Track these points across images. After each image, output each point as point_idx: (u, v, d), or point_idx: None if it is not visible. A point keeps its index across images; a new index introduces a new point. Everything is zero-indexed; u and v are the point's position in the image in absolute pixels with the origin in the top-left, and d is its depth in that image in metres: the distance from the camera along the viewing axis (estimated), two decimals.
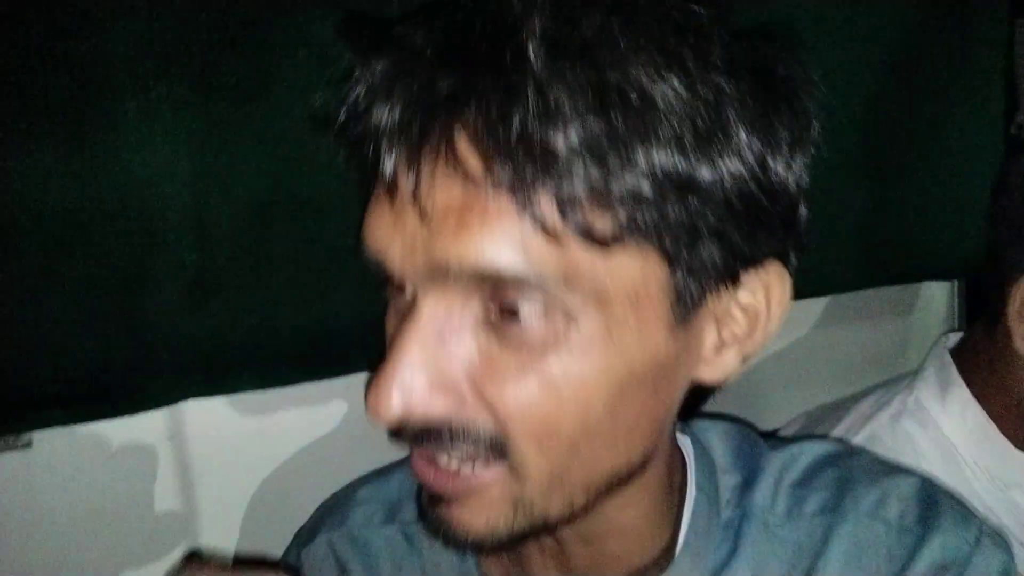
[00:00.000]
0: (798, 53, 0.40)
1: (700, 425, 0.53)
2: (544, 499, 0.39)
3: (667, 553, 0.48)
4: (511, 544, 0.42)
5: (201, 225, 0.55)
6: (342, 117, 0.38)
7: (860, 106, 0.75)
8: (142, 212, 0.54)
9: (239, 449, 0.71)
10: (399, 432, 0.39)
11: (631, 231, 0.35)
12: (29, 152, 0.52)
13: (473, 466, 0.38)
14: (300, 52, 0.55)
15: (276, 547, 0.65)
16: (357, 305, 0.61)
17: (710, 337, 0.41)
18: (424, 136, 0.35)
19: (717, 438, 0.53)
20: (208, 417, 0.69)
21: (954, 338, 0.78)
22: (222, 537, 0.74)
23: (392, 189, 0.36)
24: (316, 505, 0.64)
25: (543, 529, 0.42)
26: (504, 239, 0.34)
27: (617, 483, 0.42)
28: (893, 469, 0.51)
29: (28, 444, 0.63)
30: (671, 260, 0.37)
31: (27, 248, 0.53)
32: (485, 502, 0.39)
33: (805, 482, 0.49)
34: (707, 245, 0.37)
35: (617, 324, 0.36)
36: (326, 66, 0.42)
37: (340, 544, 0.59)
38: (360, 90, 0.37)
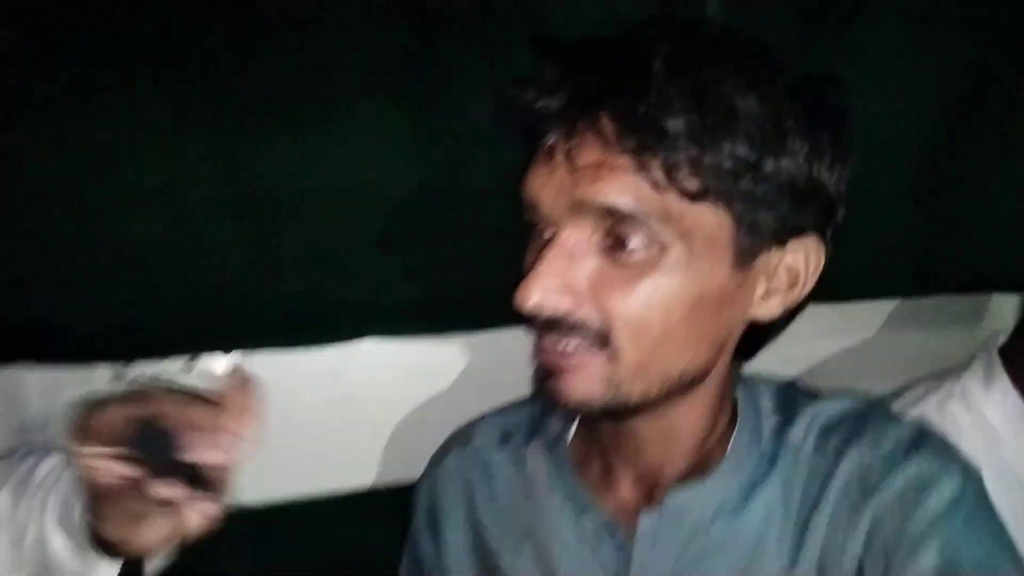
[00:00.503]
0: (843, 93, 0.56)
1: (754, 379, 0.68)
2: (630, 382, 0.55)
3: (714, 464, 0.63)
4: (600, 414, 0.58)
5: (393, 202, 0.74)
6: (521, 107, 0.56)
7: (930, 119, 0.81)
8: (350, 190, 0.73)
9: (394, 385, 0.90)
10: (533, 321, 0.56)
11: (712, 192, 0.52)
12: (270, 139, 0.71)
13: (581, 351, 0.55)
14: (482, 63, 0.72)
15: (416, 471, 0.83)
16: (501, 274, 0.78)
17: (761, 286, 0.57)
18: (578, 117, 0.53)
19: (765, 388, 0.68)
20: (372, 358, 0.88)
21: (1003, 338, 0.90)
22: (374, 460, 0.93)
23: (550, 154, 0.54)
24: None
25: (625, 410, 0.58)
26: (625, 187, 0.52)
27: (683, 385, 0.58)
28: (899, 420, 0.64)
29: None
30: (737, 219, 0.53)
31: (267, 215, 0.73)
32: (586, 377, 0.56)
33: (832, 425, 0.63)
34: (763, 213, 0.53)
35: (695, 257, 0.53)
36: (499, 75, 0.60)
37: (465, 463, 0.77)
38: (535, 89, 0.55)
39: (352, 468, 0.91)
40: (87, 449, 0.53)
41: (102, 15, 0.64)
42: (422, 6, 0.70)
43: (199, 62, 0.68)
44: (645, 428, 0.63)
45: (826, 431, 0.63)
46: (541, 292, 0.54)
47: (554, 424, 0.73)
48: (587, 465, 0.69)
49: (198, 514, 0.53)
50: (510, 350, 0.68)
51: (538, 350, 0.59)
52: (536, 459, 0.72)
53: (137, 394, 0.55)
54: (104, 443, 0.52)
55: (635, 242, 0.53)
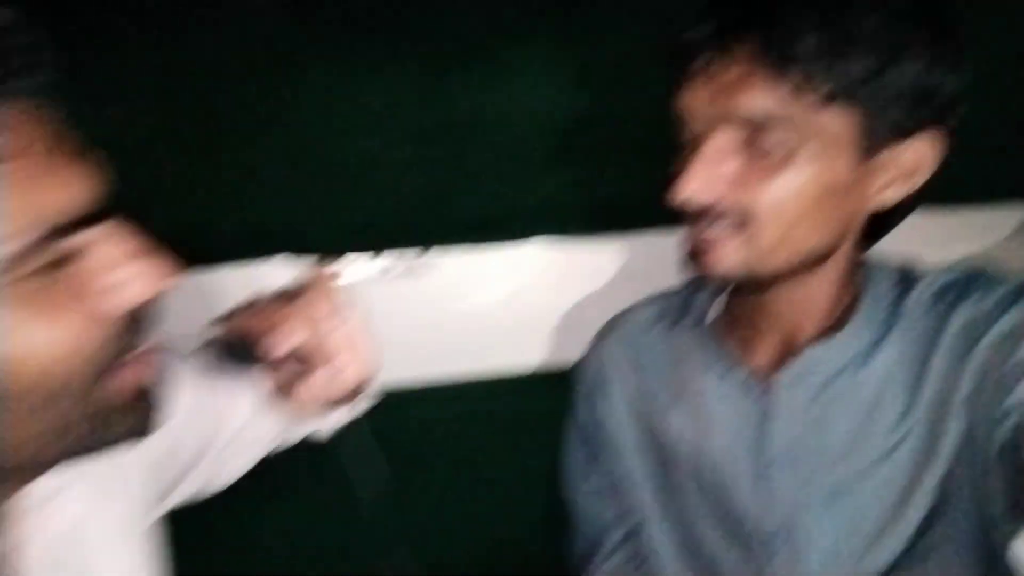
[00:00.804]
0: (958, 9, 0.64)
1: (877, 261, 0.78)
2: (764, 258, 0.67)
3: (841, 328, 0.74)
4: (740, 285, 0.70)
5: (556, 124, 0.89)
6: (675, 37, 0.68)
7: None
8: (521, 115, 0.89)
9: (558, 282, 1.05)
10: (684, 213, 0.68)
11: (839, 98, 0.61)
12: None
13: (724, 234, 0.67)
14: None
15: (574, 357, 0.97)
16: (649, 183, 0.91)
17: (881, 178, 0.66)
18: (724, 41, 0.64)
19: (886, 267, 0.77)
20: (539, 257, 1.04)
21: None
22: (539, 347, 1.08)
23: (700, 73, 0.65)
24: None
25: (760, 281, 0.69)
26: (765, 96, 0.62)
27: (810, 262, 0.69)
28: (1001, 280, 0.71)
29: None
30: (861, 120, 0.62)
31: (456, 137, 0.89)
32: (728, 254, 0.67)
33: (943, 290, 0.73)
34: (884, 114, 0.62)
35: (823, 154, 0.63)
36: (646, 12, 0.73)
37: (624, 340, 0.91)
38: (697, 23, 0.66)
39: (519, 353, 1.07)
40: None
41: None
42: None
43: (404, 15, 0.85)
44: (779, 299, 0.75)
45: (937, 296, 0.73)
46: (692, 187, 0.66)
47: (699, 305, 0.86)
48: (729, 337, 0.82)
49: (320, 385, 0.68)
50: (658, 250, 0.81)
51: (688, 236, 0.71)
52: (684, 335, 0.85)
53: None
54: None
55: (772, 142, 0.63)
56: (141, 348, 0.50)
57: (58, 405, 0.46)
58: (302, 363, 0.67)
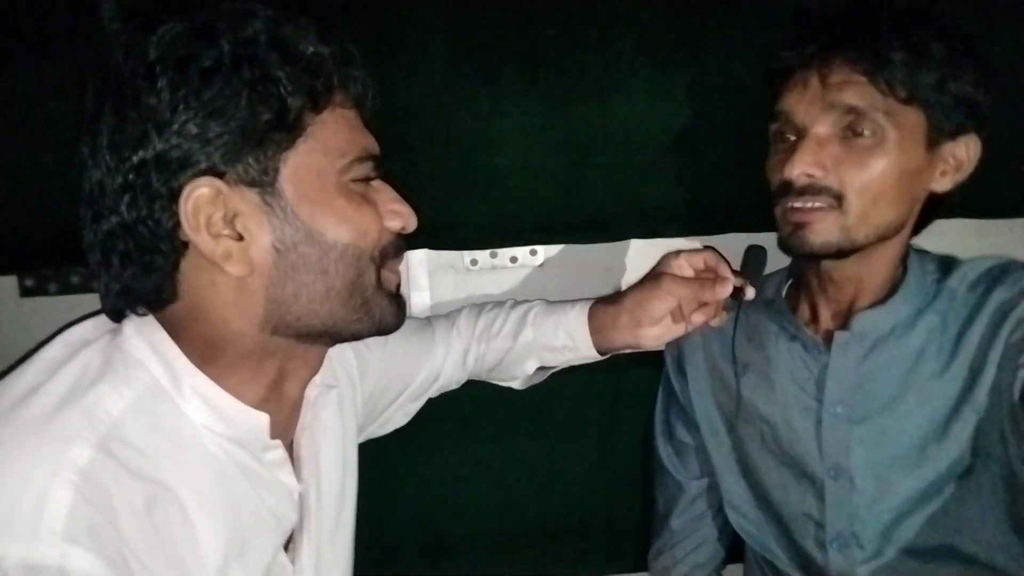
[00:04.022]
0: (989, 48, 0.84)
1: (921, 248, 0.96)
2: (856, 228, 0.84)
3: (889, 298, 0.92)
4: (832, 254, 0.86)
5: (663, 140, 1.11)
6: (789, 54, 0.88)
7: None
8: (632, 132, 1.10)
9: None
10: (789, 190, 0.85)
11: (916, 100, 0.81)
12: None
13: (822, 209, 0.84)
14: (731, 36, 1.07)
15: None
16: (736, 192, 1.11)
17: (939, 166, 0.86)
18: (830, 52, 0.84)
19: (931, 254, 0.96)
20: (639, 254, 1.24)
21: None
22: None
23: (804, 78, 0.85)
24: None
25: (850, 250, 0.86)
26: (863, 94, 0.82)
27: (887, 234, 0.86)
28: None
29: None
30: (929, 118, 0.83)
31: (579, 151, 1.11)
32: (826, 225, 0.85)
33: (982, 275, 0.90)
34: (945, 116, 0.83)
35: (903, 142, 0.82)
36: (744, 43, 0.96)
37: None
38: (794, 38, 0.87)
39: None
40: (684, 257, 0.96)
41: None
42: None
43: (539, 51, 1.08)
44: (846, 273, 0.91)
45: (977, 279, 0.90)
46: (804, 162, 0.83)
47: (772, 286, 1.04)
48: (797, 309, 1.00)
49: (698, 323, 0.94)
50: (737, 249, 0.99)
51: (787, 215, 0.87)
52: (758, 311, 1.04)
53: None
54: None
55: (866, 130, 0.82)
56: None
57: (352, 271, 0.69)
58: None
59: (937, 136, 0.84)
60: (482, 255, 1.23)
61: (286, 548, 0.76)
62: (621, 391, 1.24)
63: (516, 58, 1.08)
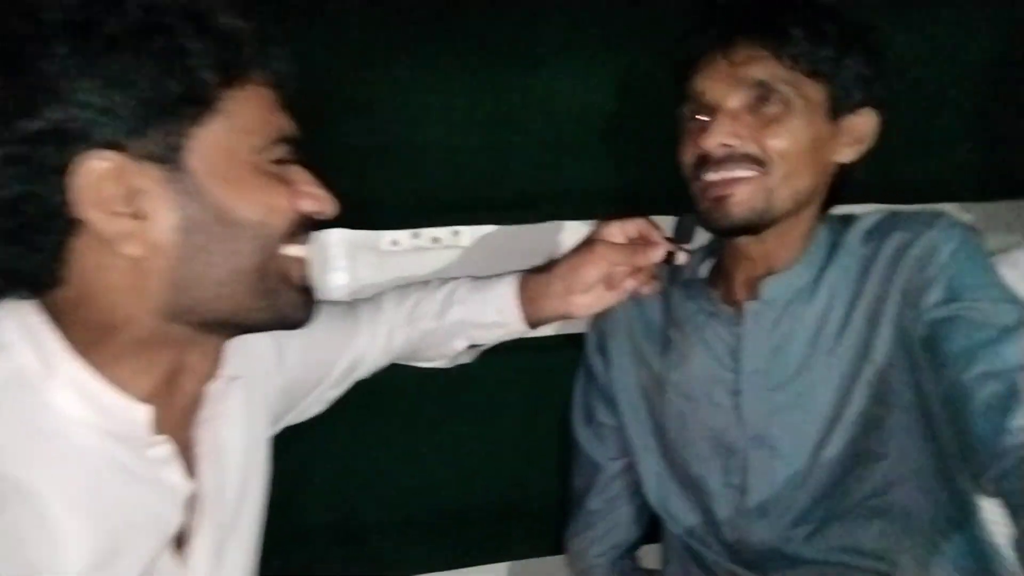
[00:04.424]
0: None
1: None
2: (777, 190, 0.87)
3: (796, 261, 0.95)
4: (750, 227, 0.89)
5: (589, 120, 1.10)
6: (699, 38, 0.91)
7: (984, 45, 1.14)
8: (559, 112, 1.09)
9: None
10: (708, 162, 0.88)
11: (818, 73, 0.86)
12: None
13: (743, 177, 0.87)
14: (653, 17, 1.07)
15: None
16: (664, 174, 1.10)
17: (842, 138, 0.90)
18: (734, 33, 0.88)
19: (832, 217, 0.99)
20: (566, 236, 1.23)
21: None
22: None
23: (713, 59, 0.88)
24: None
25: (764, 223, 0.88)
26: (767, 67, 0.86)
27: (801, 201, 0.90)
28: (923, 212, 0.92)
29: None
30: (830, 91, 0.87)
31: (504, 129, 1.09)
32: (749, 191, 0.87)
33: (875, 226, 0.94)
34: (845, 89, 0.88)
35: (809, 112, 0.86)
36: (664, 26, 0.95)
37: (624, 302, 1.07)
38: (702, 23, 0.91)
39: None
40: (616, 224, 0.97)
41: None
42: None
43: (462, 22, 1.04)
44: (761, 245, 0.93)
45: (870, 231, 0.94)
46: (719, 135, 0.86)
47: (692, 265, 1.05)
48: (715, 287, 1.02)
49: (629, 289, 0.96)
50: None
51: (707, 188, 0.89)
52: (678, 292, 1.05)
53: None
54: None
55: (774, 101, 0.86)
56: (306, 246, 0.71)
57: (260, 254, 0.66)
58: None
59: (839, 108, 0.89)
60: (403, 235, 1.19)
61: (180, 548, 0.72)
62: (541, 374, 1.23)
63: (440, 29, 1.04)
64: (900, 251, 0.89)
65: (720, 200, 0.89)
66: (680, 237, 0.97)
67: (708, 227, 0.93)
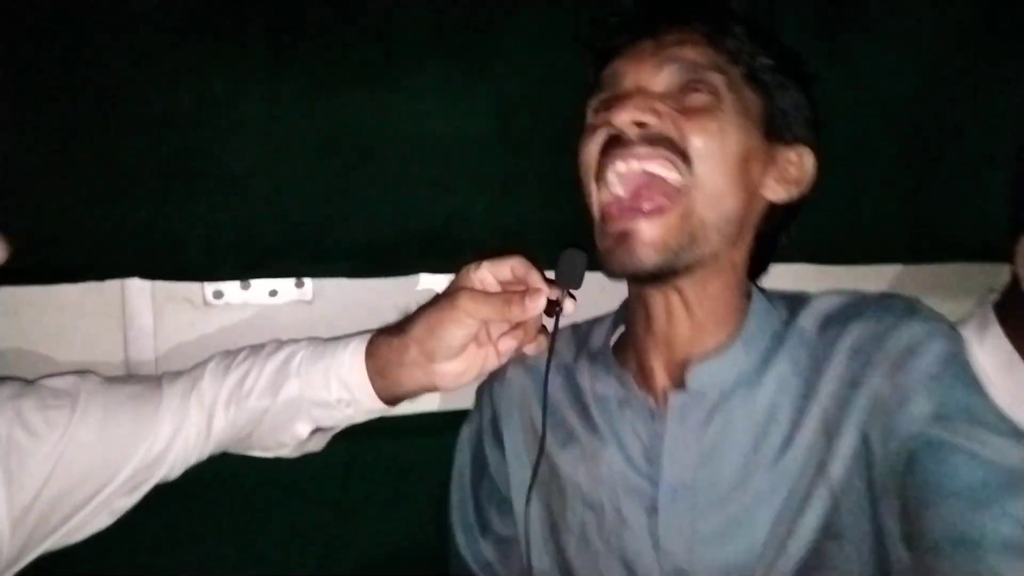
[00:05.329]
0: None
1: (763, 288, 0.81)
2: (699, 214, 0.70)
3: (730, 346, 0.75)
4: (663, 271, 0.70)
5: (450, 149, 0.88)
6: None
7: (910, 99, 0.99)
8: (415, 137, 0.87)
9: None
10: (618, 142, 0.71)
11: (755, 80, 0.74)
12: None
13: (657, 194, 0.70)
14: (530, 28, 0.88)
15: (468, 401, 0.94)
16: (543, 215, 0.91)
17: (776, 171, 0.74)
18: (662, 21, 0.76)
19: (775, 293, 0.80)
20: (429, 292, 1.00)
21: (996, 296, 0.98)
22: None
23: (635, 43, 0.75)
24: None
25: (677, 269, 0.71)
26: (699, 51, 0.73)
27: (725, 241, 0.72)
28: (892, 300, 0.74)
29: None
30: (767, 103, 0.75)
31: (345, 155, 0.86)
32: (660, 231, 0.69)
33: (834, 312, 0.75)
34: (782, 107, 0.75)
35: (742, 117, 0.72)
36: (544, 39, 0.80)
37: (521, 377, 0.88)
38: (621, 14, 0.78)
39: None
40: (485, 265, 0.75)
41: None
42: None
43: (297, 23, 0.82)
44: (677, 308, 0.75)
45: (829, 317, 0.75)
46: (631, 109, 0.69)
47: (596, 338, 0.85)
48: (626, 366, 0.80)
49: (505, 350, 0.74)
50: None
51: (615, 206, 0.71)
52: (583, 369, 0.84)
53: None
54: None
55: (703, 88, 0.71)
56: None
57: None
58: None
59: (774, 131, 0.75)
60: (230, 286, 0.95)
61: None
62: (410, 465, 0.98)
63: (265, 28, 0.81)
64: (867, 346, 0.71)
65: (625, 236, 0.70)
66: (566, 279, 0.73)
67: (609, 271, 0.72)
